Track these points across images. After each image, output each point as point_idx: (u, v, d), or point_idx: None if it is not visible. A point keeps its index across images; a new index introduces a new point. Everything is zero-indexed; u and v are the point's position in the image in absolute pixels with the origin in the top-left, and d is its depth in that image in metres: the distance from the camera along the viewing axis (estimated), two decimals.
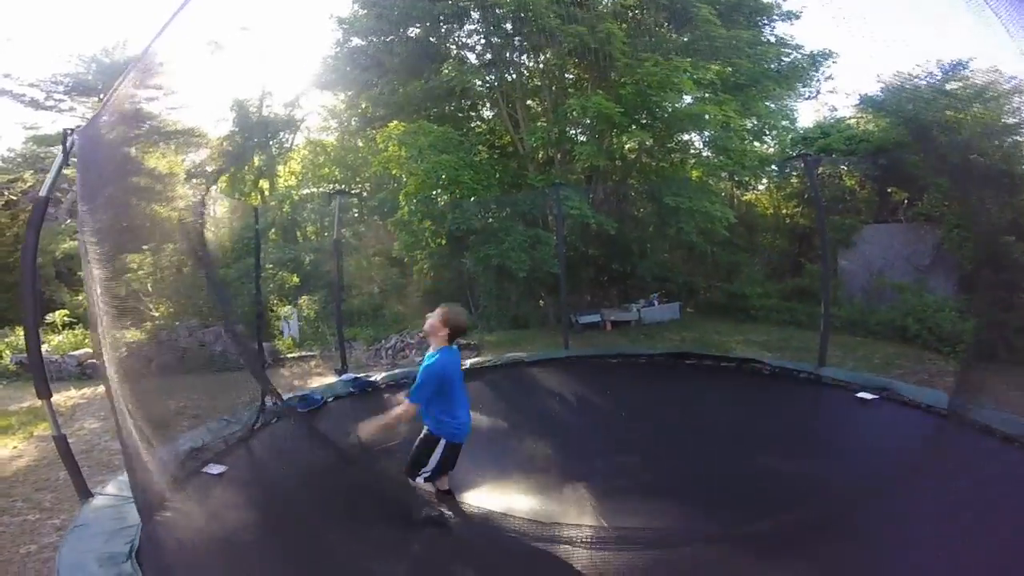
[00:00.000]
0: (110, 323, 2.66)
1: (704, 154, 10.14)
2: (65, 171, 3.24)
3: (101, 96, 13.88)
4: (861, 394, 4.48)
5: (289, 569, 2.46)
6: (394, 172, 10.10)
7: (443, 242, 9.85)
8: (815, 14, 9.97)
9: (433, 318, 2.94)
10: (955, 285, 8.01)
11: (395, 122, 9.74)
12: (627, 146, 8.43)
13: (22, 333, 9.89)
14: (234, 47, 24.70)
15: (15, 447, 5.28)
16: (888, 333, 7.67)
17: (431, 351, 2.95)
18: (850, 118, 10.75)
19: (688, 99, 8.91)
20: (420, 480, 2.97)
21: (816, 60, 9.50)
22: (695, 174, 9.88)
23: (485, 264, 9.05)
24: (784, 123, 9.92)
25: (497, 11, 8.81)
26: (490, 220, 9.67)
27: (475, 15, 9.65)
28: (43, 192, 2.84)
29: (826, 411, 4.58)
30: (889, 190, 9.50)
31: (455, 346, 3.03)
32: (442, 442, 2.93)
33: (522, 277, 8.82)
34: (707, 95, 8.62)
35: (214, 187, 14.98)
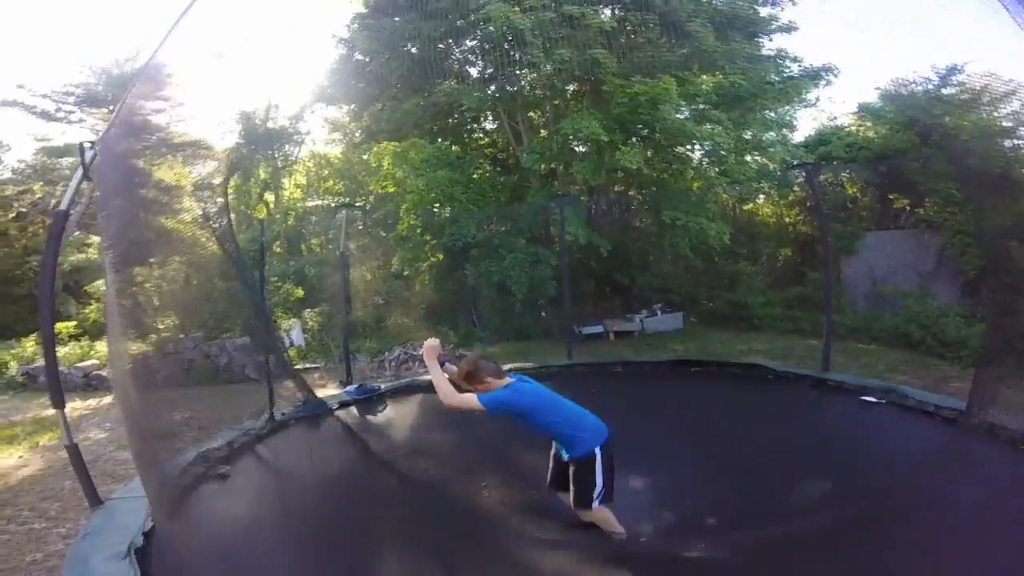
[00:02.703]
0: (124, 327, 2.69)
1: (703, 164, 10.21)
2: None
3: (111, 108, 14.07)
4: (865, 397, 4.47)
5: (294, 571, 2.47)
6: (391, 190, 10.23)
7: (441, 256, 9.93)
8: (813, 26, 10.05)
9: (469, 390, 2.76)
10: (959, 291, 8.00)
11: (385, 142, 9.90)
12: (622, 163, 8.56)
13: (28, 344, 10.01)
14: (239, 59, 24.97)
15: (21, 456, 5.32)
16: (892, 340, 7.65)
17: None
18: (849, 125, 10.82)
19: (684, 113, 8.99)
20: (596, 504, 2.68)
21: (817, 74, 9.57)
22: (696, 185, 9.93)
23: (487, 279, 9.13)
24: (775, 136, 9.95)
25: (488, 31, 8.94)
26: (490, 235, 9.75)
27: (473, 32, 9.77)
28: (63, 205, 2.89)
29: (831, 415, 4.56)
30: (891, 197, 9.53)
31: (512, 380, 2.83)
32: (596, 456, 2.70)
33: (520, 299, 8.94)
34: (702, 106, 8.69)
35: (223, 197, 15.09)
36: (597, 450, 2.69)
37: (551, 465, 2.91)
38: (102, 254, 2.81)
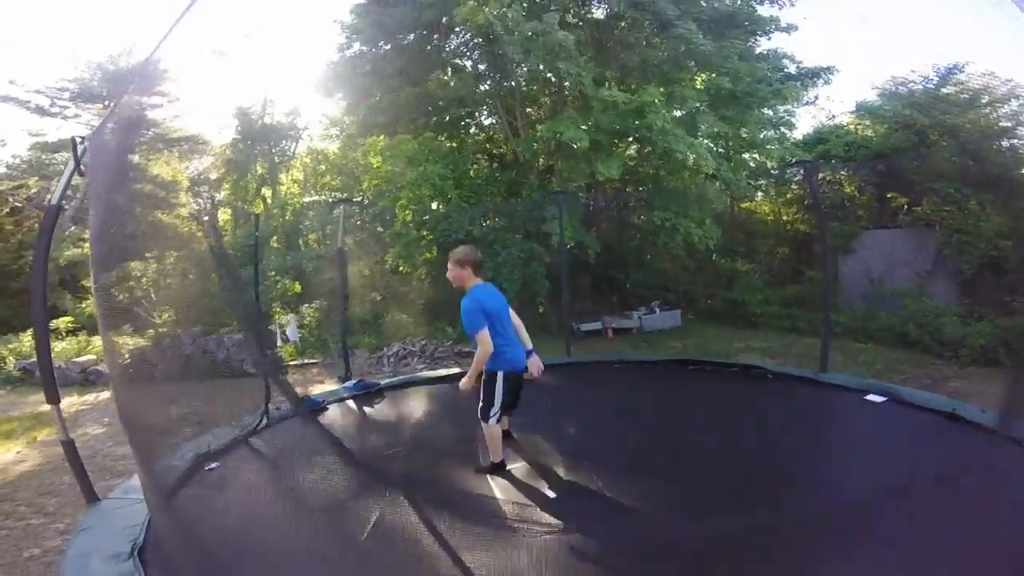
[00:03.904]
0: (111, 326, 2.67)
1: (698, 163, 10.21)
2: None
3: (106, 103, 13.99)
4: (869, 397, 4.47)
5: (292, 568, 2.47)
6: (384, 187, 10.23)
7: (435, 252, 9.92)
8: (813, 23, 10.03)
9: (451, 270, 3.19)
10: (956, 290, 8.02)
11: (374, 138, 9.89)
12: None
13: (25, 339, 9.98)
14: (237, 54, 24.93)
15: (18, 452, 5.31)
16: (889, 339, 7.67)
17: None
18: (848, 124, 10.82)
19: (678, 112, 8.99)
20: (492, 422, 3.18)
21: (814, 74, 9.56)
22: (692, 185, 9.90)
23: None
24: (774, 134, 9.92)
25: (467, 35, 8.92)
26: (485, 231, 9.76)
27: (461, 29, 9.73)
28: (55, 199, 2.87)
29: (832, 415, 4.57)
30: (889, 195, 9.54)
31: (487, 283, 3.27)
32: (499, 375, 3.14)
33: (511, 295, 8.99)
34: (696, 104, 8.68)
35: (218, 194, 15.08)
36: (502, 372, 3.15)
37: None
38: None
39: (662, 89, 8.47)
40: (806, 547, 2.49)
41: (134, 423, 2.68)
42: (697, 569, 2.47)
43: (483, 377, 3.13)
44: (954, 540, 2.46)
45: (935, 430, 3.81)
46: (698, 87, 9.03)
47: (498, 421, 3.20)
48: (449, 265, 3.20)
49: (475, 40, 9.25)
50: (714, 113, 8.62)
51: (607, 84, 8.73)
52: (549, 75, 8.57)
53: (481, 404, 3.18)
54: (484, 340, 2.94)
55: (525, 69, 8.55)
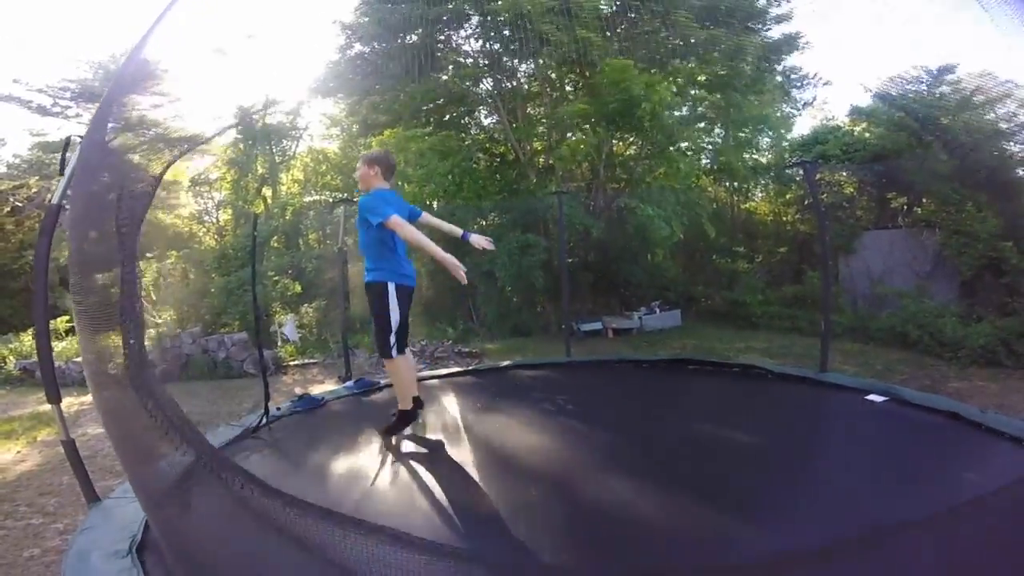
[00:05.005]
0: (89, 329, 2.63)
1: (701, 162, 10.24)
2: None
3: None
4: (870, 397, 4.47)
5: (292, 566, 2.47)
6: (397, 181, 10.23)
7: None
8: (806, 20, 10.14)
9: (359, 169, 2.88)
10: (956, 291, 8.02)
11: (388, 131, 9.89)
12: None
13: (26, 339, 9.98)
14: (238, 53, 24.96)
15: (19, 452, 5.31)
16: (889, 339, 7.68)
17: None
18: (846, 125, 10.85)
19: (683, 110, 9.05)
20: (395, 352, 2.83)
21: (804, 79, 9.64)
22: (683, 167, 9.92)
23: (479, 270, 9.17)
24: (768, 131, 9.98)
25: (498, 19, 8.92)
26: (484, 229, 9.77)
27: (475, 19, 9.73)
28: (55, 199, 2.87)
29: (832, 415, 4.57)
30: (888, 196, 9.55)
31: (393, 190, 2.96)
32: (391, 287, 2.82)
33: (508, 289, 9.01)
34: (692, 93, 8.71)
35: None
36: (393, 284, 2.80)
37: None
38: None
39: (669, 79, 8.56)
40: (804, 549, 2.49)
41: (122, 427, 2.67)
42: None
43: (372, 292, 2.78)
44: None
45: (935, 430, 3.81)
46: (700, 78, 9.08)
47: (399, 352, 2.80)
48: (358, 164, 2.91)
49: (491, 29, 9.24)
50: (712, 104, 8.67)
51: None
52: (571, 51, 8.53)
53: (375, 331, 2.79)
54: (399, 223, 2.58)
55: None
